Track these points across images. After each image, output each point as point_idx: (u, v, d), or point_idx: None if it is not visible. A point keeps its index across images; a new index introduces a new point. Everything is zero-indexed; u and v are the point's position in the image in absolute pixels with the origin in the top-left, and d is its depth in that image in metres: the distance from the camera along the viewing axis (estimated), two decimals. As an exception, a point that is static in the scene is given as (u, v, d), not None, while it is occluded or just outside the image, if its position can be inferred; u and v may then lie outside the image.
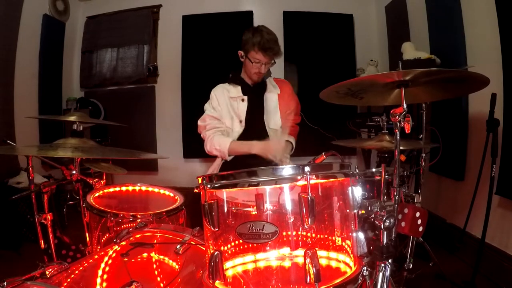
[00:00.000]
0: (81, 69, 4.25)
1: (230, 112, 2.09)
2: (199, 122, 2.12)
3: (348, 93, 1.20)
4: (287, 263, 0.95)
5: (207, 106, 2.12)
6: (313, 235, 0.92)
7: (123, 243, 1.24)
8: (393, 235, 0.97)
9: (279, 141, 1.92)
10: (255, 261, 0.97)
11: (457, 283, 1.93)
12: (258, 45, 1.91)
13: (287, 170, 0.88)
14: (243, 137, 2.06)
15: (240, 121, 2.07)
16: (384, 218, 0.95)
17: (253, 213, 0.95)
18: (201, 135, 2.11)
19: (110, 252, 1.19)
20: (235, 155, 2.04)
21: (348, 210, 0.98)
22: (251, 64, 1.98)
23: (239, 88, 2.10)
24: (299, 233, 0.92)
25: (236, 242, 0.95)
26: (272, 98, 2.14)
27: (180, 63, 3.98)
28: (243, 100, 2.08)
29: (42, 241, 1.50)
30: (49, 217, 1.44)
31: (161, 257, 1.23)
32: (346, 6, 3.84)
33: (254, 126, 2.08)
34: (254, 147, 1.89)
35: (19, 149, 1.70)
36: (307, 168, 0.85)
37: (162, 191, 1.91)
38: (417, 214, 1.02)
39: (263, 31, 1.95)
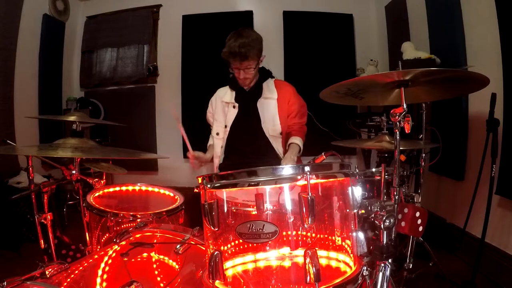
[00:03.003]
0: (81, 69, 4.26)
1: (221, 116, 2.14)
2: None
3: (348, 93, 1.20)
4: (287, 263, 0.95)
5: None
6: (313, 234, 0.92)
7: (123, 243, 1.24)
8: (393, 235, 0.97)
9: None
10: (255, 261, 0.97)
11: (457, 283, 1.93)
12: (227, 49, 1.90)
13: (287, 170, 0.88)
14: (229, 142, 2.11)
15: (225, 126, 2.10)
16: (384, 218, 0.95)
17: (253, 212, 0.95)
18: None
19: (110, 252, 1.19)
20: (233, 154, 2.12)
21: (348, 210, 0.98)
22: (233, 69, 1.98)
23: (233, 93, 2.12)
24: (299, 232, 0.92)
25: (236, 242, 0.95)
26: (269, 104, 2.07)
27: (180, 63, 3.98)
28: (234, 106, 2.09)
29: (42, 241, 1.50)
30: (49, 217, 1.44)
31: (161, 257, 1.23)
32: (346, 6, 3.84)
33: (242, 133, 2.07)
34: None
35: (19, 149, 1.69)
36: (307, 168, 0.85)
37: (162, 191, 1.91)
38: (417, 214, 1.02)
39: (239, 34, 1.91)
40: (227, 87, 2.17)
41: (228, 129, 2.09)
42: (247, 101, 2.09)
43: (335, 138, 3.40)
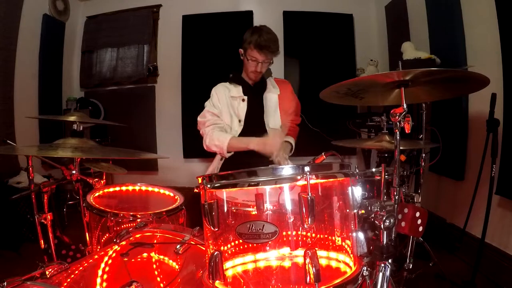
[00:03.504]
0: (81, 69, 4.25)
1: (230, 111, 2.10)
2: (198, 119, 2.12)
3: (348, 93, 1.20)
4: (287, 263, 0.95)
5: (207, 103, 2.14)
6: (313, 235, 0.92)
7: (123, 243, 1.24)
8: (393, 235, 0.97)
9: (276, 135, 1.89)
10: (255, 261, 0.97)
11: (457, 283, 1.93)
12: (254, 43, 1.93)
13: (287, 170, 0.88)
14: (242, 136, 2.07)
15: (239, 121, 2.09)
16: (384, 218, 0.95)
17: (253, 213, 0.95)
18: (200, 132, 2.12)
19: (110, 252, 1.19)
20: (234, 154, 2.06)
21: (348, 210, 0.98)
22: (249, 62, 2.00)
23: (240, 88, 2.11)
24: (299, 233, 0.92)
25: (236, 242, 0.95)
26: (272, 98, 2.14)
27: (180, 63, 3.98)
28: (243, 100, 2.09)
29: (42, 241, 1.50)
30: (49, 217, 1.44)
31: (161, 257, 1.23)
32: (346, 6, 3.84)
33: (253, 126, 2.08)
34: (252, 142, 1.89)
35: (19, 149, 1.69)
36: (307, 168, 0.84)
37: (162, 191, 1.91)
38: (417, 214, 1.02)
39: (263, 30, 1.96)
40: (227, 83, 2.16)
41: (242, 123, 2.08)
42: (255, 94, 2.11)
43: (328, 139, 3.40)
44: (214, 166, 2.15)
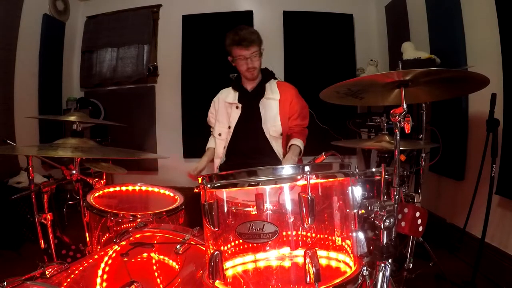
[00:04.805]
0: (81, 69, 4.26)
1: (225, 117, 2.14)
2: None
3: (348, 93, 1.20)
4: (287, 263, 0.95)
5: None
6: (313, 235, 0.93)
7: (123, 243, 1.24)
8: (393, 235, 0.97)
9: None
10: (255, 261, 0.97)
11: (457, 283, 1.93)
12: (232, 41, 1.97)
13: (287, 170, 0.88)
14: (232, 142, 2.10)
15: (229, 127, 2.10)
16: (384, 218, 0.95)
17: (253, 212, 0.95)
18: None
19: (110, 252, 1.19)
20: (233, 154, 2.13)
21: (348, 210, 0.98)
22: (239, 63, 2.01)
23: (236, 94, 2.12)
24: (299, 233, 0.92)
25: (236, 242, 0.95)
26: (271, 105, 2.08)
27: (180, 63, 3.98)
28: (237, 107, 2.10)
29: (42, 241, 1.50)
30: (49, 217, 1.44)
31: (161, 257, 1.23)
32: (346, 6, 3.84)
33: (246, 134, 2.08)
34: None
35: (19, 149, 1.69)
36: (307, 168, 0.85)
37: (162, 191, 1.91)
38: (417, 214, 1.02)
39: (237, 28, 2.00)
40: (230, 88, 2.18)
41: (231, 130, 2.09)
42: (250, 101, 2.10)
43: (336, 137, 3.42)
44: (216, 164, 2.17)
